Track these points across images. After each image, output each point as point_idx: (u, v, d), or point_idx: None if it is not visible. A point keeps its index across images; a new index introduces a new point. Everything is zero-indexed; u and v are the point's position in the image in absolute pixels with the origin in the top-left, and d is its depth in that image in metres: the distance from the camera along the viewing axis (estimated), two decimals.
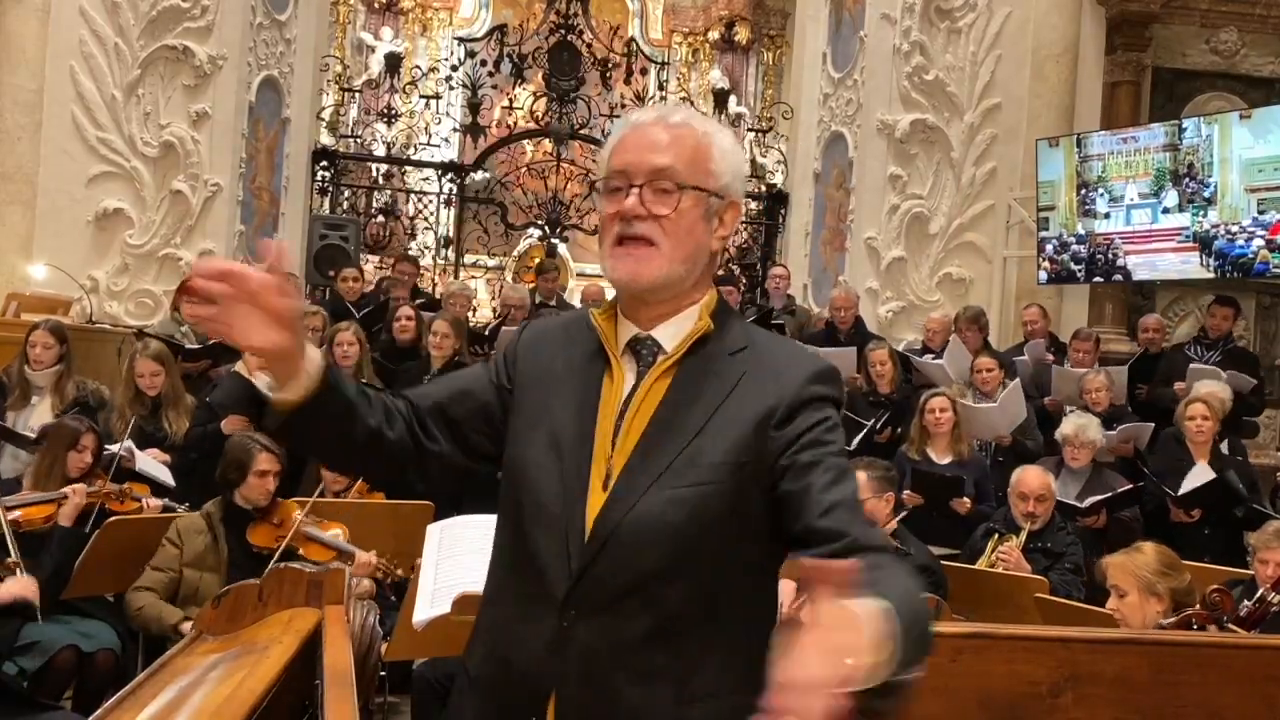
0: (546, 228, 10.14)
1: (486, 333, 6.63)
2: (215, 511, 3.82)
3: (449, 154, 10.49)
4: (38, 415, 4.66)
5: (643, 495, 1.37)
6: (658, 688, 1.35)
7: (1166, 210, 7.18)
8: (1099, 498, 4.82)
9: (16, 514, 3.62)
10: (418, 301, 7.07)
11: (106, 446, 4.20)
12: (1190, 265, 7.12)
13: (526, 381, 1.51)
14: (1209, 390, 5.36)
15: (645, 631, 1.35)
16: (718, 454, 1.37)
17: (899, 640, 1.02)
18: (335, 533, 3.91)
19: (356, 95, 10.68)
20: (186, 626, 3.56)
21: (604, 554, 1.36)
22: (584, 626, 1.36)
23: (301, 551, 3.78)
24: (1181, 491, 4.87)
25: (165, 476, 4.42)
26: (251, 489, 3.80)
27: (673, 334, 1.47)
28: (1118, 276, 7.54)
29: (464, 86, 9.84)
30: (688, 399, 1.42)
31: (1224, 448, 5.35)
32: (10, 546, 3.49)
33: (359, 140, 10.05)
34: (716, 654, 1.38)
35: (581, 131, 9.75)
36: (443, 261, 10.02)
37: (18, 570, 3.37)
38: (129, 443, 4.31)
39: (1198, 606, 2.92)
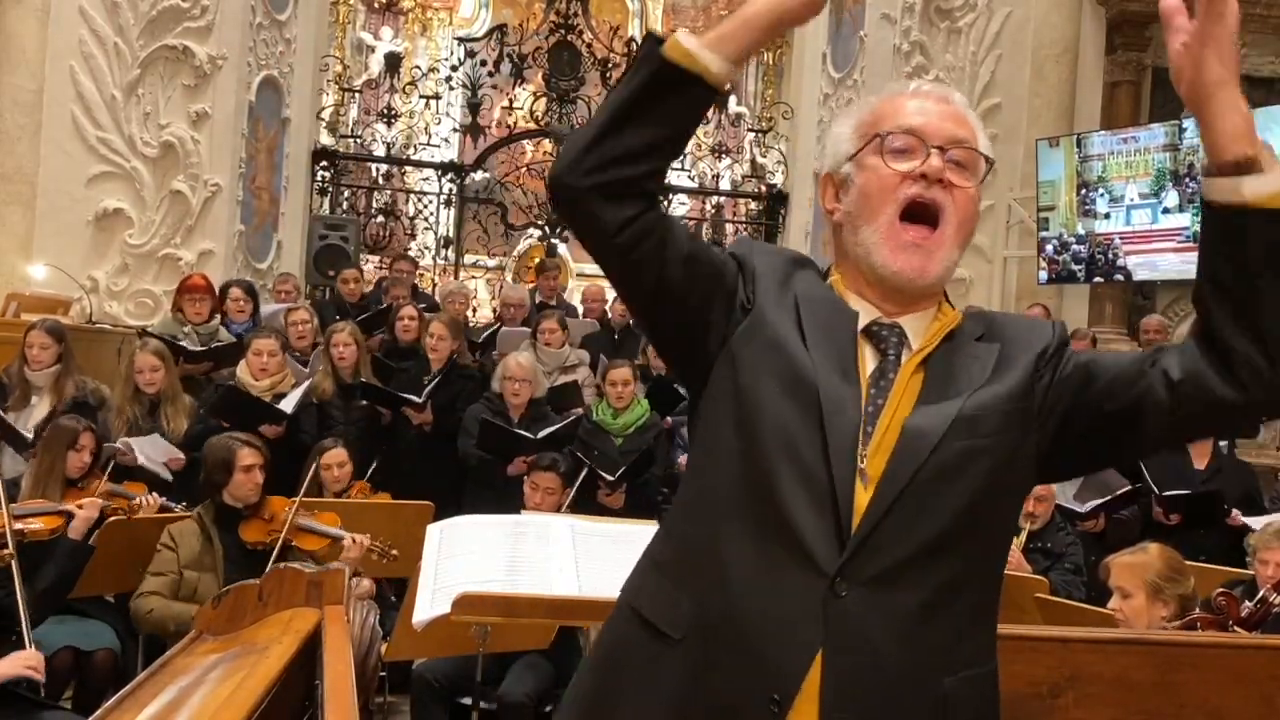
0: (546, 228, 10.15)
1: (486, 335, 6.63)
2: (206, 513, 3.83)
3: (449, 154, 10.47)
4: (37, 415, 4.65)
5: (931, 453, 1.29)
6: (926, 658, 1.29)
7: (1167, 210, 7.18)
8: (1098, 501, 4.82)
9: (37, 524, 3.58)
10: (420, 305, 7.07)
11: (105, 445, 4.19)
12: (1191, 265, 7.01)
13: (768, 307, 1.37)
14: None
15: (921, 602, 1.28)
16: (999, 405, 1.32)
17: None
18: (328, 525, 3.93)
19: (356, 95, 10.65)
20: None
21: (888, 520, 1.27)
22: (857, 596, 1.27)
23: (295, 543, 3.79)
24: (1169, 494, 4.85)
25: (161, 470, 4.42)
26: (239, 486, 3.80)
27: (920, 328, 1.38)
28: (1118, 276, 7.54)
29: (464, 86, 9.83)
30: (951, 380, 1.35)
31: (1223, 448, 5.35)
32: (8, 540, 3.46)
33: (359, 140, 10.02)
34: (977, 623, 1.35)
35: None
36: (443, 262, 10.01)
37: (12, 565, 3.31)
38: (125, 438, 4.30)
39: (1203, 611, 2.91)
